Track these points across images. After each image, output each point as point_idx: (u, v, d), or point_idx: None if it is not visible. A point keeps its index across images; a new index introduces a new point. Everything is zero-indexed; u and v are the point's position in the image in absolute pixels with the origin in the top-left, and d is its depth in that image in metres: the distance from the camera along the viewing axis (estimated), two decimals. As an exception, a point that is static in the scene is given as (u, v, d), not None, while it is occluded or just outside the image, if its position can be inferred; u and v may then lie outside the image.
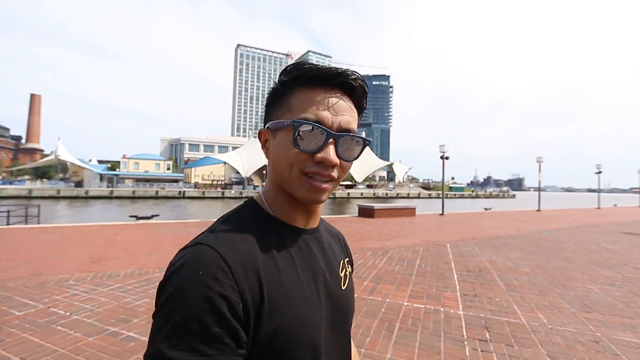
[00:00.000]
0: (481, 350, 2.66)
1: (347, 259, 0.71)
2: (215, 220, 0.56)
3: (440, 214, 16.64)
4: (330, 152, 0.51)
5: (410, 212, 15.50)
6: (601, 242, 8.49)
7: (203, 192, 50.51)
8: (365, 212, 14.41)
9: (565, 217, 16.13)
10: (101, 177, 55.90)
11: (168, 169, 66.58)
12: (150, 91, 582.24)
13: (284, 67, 0.54)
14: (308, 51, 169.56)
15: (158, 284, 0.45)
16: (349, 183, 69.19)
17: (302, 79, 0.52)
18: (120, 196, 44.72)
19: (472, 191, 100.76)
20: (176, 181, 62.84)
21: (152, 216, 12.13)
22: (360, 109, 0.57)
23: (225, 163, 58.48)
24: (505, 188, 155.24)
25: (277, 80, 0.56)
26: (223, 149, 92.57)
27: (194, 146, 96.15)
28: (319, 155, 0.50)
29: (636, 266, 5.78)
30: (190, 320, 0.41)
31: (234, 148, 77.32)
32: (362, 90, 0.55)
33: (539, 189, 22.25)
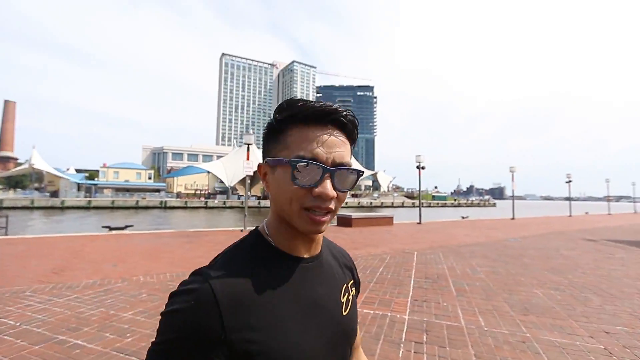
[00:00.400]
0: (414, 352, 2.84)
1: (352, 281, 0.73)
2: (222, 251, 0.61)
3: (417, 223, 17.00)
4: (327, 186, 0.54)
5: (388, 221, 15.80)
6: (561, 248, 8.91)
7: (185, 202, 49.76)
8: (344, 222, 14.59)
9: (537, 225, 16.74)
10: (79, 186, 54.42)
11: (149, 178, 65.52)
12: (133, 98, 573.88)
13: (278, 105, 0.58)
14: (293, 61, 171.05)
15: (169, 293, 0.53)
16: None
17: (296, 118, 0.56)
18: (99, 206, 43.60)
19: (455, 200, 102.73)
20: (158, 191, 61.73)
21: (126, 227, 11.98)
22: (352, 140, 0.61)
23: (209, 172, 57.92)
24: (486, 197, 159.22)
25: (272, 116, 0.60)
26: (207, 157, 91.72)
27: (178, 155, 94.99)
28: (316, 189, 0.53)
29: (585, 271, 6.14)
30: (170, 341, 0.47)
31: (219, 157, 76.69)
32: (353, 125, 0.59)
33: (512, 198, 23.03)
